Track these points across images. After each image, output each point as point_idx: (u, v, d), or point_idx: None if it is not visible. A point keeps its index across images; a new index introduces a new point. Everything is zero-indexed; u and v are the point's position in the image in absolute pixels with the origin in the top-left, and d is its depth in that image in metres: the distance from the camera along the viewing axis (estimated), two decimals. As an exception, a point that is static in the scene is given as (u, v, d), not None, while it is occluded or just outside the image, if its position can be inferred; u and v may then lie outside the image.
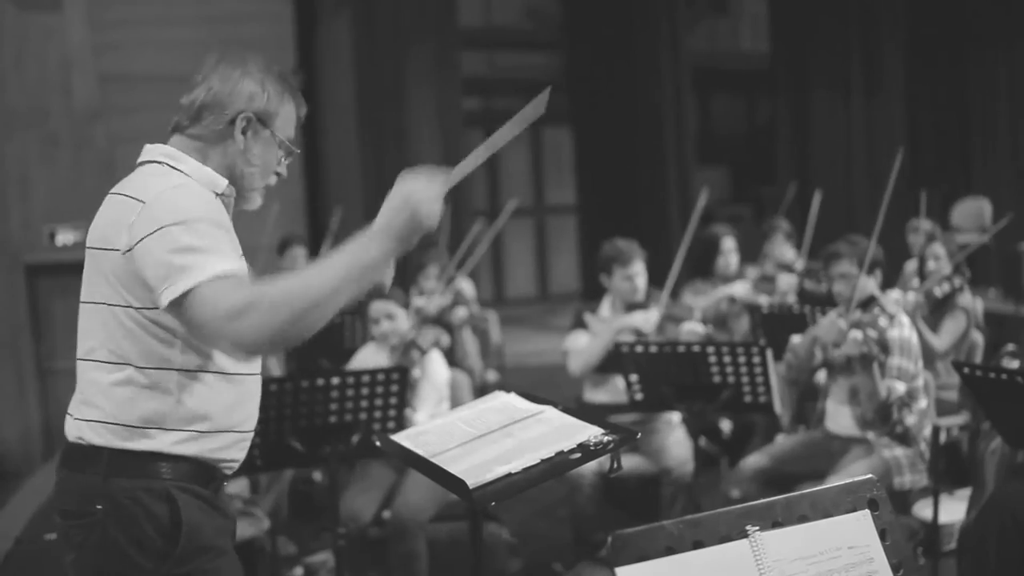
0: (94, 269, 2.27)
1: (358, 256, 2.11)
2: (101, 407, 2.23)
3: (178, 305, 2.09)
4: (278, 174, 2.43)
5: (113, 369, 2.23)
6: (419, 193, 2.14)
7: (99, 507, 2.20)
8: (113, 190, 2.29)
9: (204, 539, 2.25)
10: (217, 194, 2.30)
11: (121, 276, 2.18)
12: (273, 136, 2.36)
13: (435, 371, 4.80)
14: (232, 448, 2.34)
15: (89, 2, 7.84)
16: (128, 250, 2.16)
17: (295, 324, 2.05)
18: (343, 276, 2.09)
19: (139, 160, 2.34)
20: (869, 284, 4.50)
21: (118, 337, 2.22)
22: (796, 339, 4.74)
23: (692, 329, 5.13)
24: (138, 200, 2.18)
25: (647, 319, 5.08)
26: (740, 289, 6.44)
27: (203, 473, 2.29)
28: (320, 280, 2.07)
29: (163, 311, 2.13)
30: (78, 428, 2.27)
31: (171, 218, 2.11)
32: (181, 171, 2.27)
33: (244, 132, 2.32)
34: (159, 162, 2.30)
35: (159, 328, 2.19)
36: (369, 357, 4.91)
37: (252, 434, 2.41)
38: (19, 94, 7.55)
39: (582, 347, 5.17)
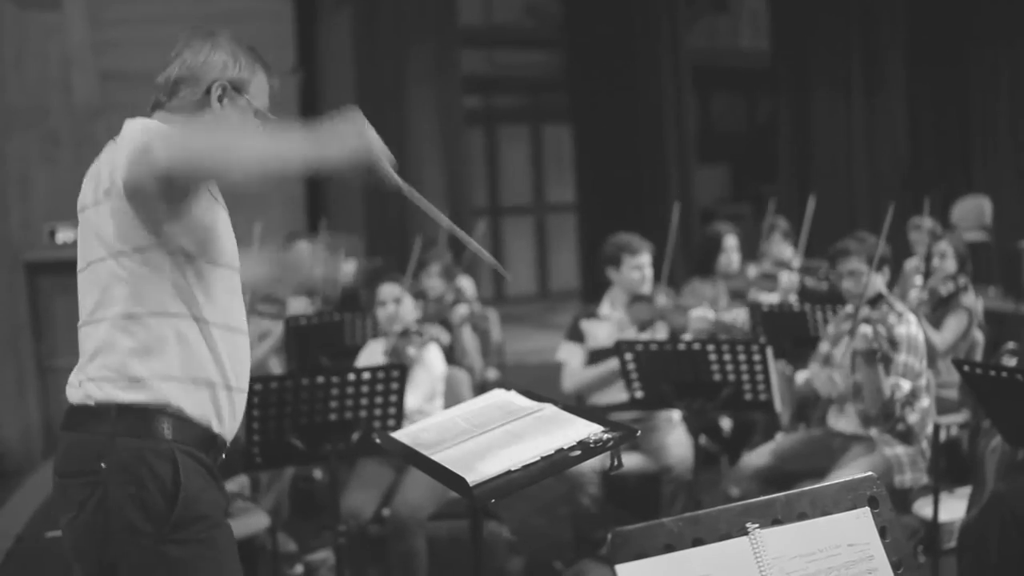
0: (87, 232, 2.34)
1: (293, 147, 2.21)
2: (103, 362, 2.27)
3: (132, 174, 2.18)
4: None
5: (112, 323, 2.27)
6: (371, 131, 2.26)
7: (103, 465, 2.22)
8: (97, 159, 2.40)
9: (201, 507, 2.26)
10: None
11: (109, 221, 2.26)
12: (248, 104, 2.43)
13: (431, 362, 4.83)
14: (231, 409, 2.38)
15: (89, 0, 7.85)
16: (109, 187, 2.26)
17: (203, 156, 2.15)
18: (268, 152, 2.20)
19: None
20: (877, 281, 4.50)
21: (113, 290, 2.27)
22: (801, 377, 4.77)
23: (702, 315, 5.12)
24: (115, 143, 2.31)
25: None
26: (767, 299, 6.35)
27: (205, 438, 2.32)
28: (247, 142, 2.25)
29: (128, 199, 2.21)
30: (82, 387, 2.29)
31: (143, 136, 2.20)
32: None
33: (220, 100, 2.40)
34: None
35: (150, 271, 2.25)
36: (372, 352, 4.93)
37: (245, 395, 2.44)
38: (19, 92, 7.56)
39: (576, 368, 5.21)
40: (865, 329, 4.17)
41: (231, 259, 2.40)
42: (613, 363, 5.01)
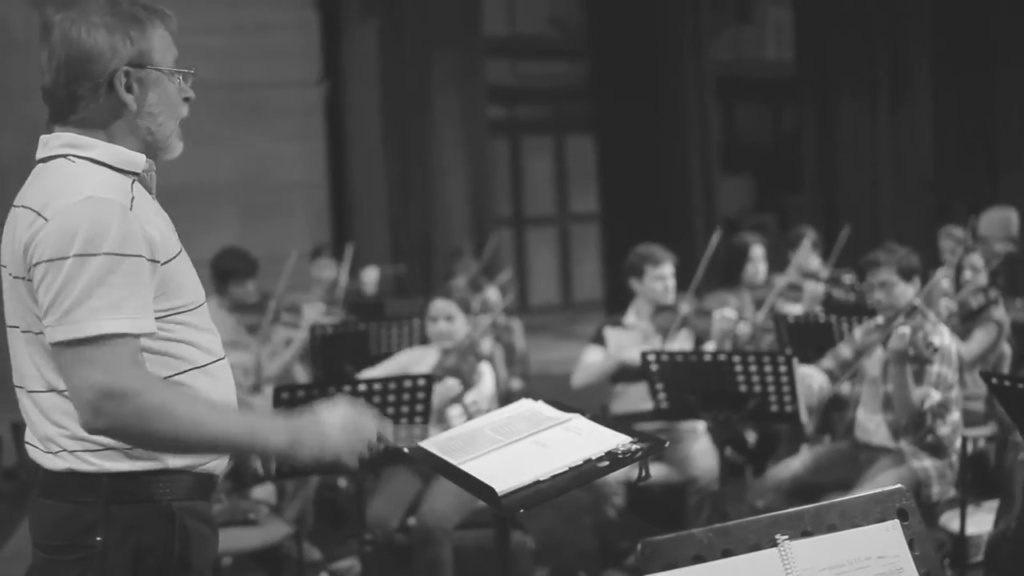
0: (10, 292, 2.08)
1: (255, 434, 2.04)
2: (78, 434, 2.01)
3: (59, 348, 1.93)
4: (187, 99, 2.17)
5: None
6: (339, 426, 2.09)
7: (99, 539, 2.01)
8: (16, 200, 2.08)
9: (191, 571, 2.12)
10: (137, 174, 2.09)
11: (29, 303, 2.01)
12: (161, 72, 2.08)
13: (484, 383, 4.82)
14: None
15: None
16: (25, 276, 1.99)
17: (152, 440, 1.96)
18: (227, 438, 2.02)
19: (38, 156, 2.10)
20: (908, 292, 4.47)
21: (54, 366, 2.02)
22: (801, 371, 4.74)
23: (726, 315, 5.11)
24: (38, 215, 1.97)
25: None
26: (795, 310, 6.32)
27: (203, 484, 2.16)
28: (206, 426, 1.98)
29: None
30: (61, 459, 2.05)
31: (75, 247, 1.90)
32: (91, 159, 2.04)
33: (129, 89, 2.05)
34: (63, 156, 2.05)
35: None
36: (419, 357, 4.92)
37: None
38: (49, 103, 7.61)
39: (589, 363, 5.21)
40: (903, 329, 4.13)
41: (197, 296, 2.17)
42: (623, 356, 5.03)
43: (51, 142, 2.08)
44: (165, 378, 2.05)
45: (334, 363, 5.79)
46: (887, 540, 1.84)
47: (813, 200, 11.41)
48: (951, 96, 11.09)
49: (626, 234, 10.19)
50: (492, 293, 7.17)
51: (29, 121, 7.70)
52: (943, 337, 4.34)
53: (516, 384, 6.98)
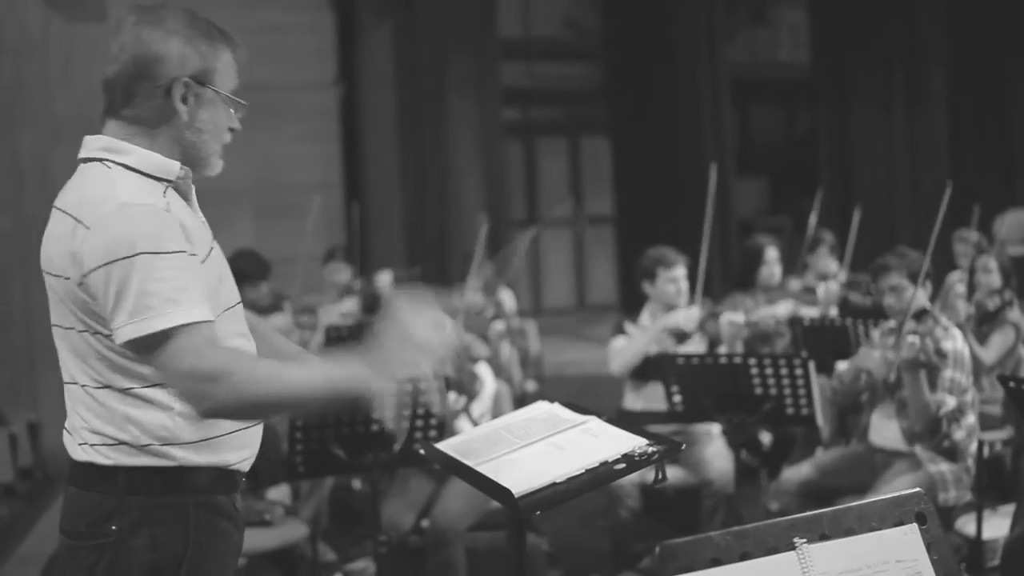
0: (53, 292, 2.12)
1: (348, 378, 2.03)
2: (101, 431, 2.09)
3: (139, 346, 1.97)
4: (232, 130, 2.22)
5: (100, 393, 2.08)
6: (421, 344, 2.07)
7: (114, 528, 2.07)
8: (55, 202, 2.13)
9: (205, 571, 2.15)
10: (171, 181, 2.13)
11: (79, 303, 2.04)
12: (217, 94, 2.14)
13: (485, 383, 4.81)
14: (247, 445, 2.23)
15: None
16: (80, 283, 2.01)
17: (256, 408, 2.05)
18: (324, 391, 2.06)
19: (80, 155, 2.16)
20: (920, 296, 4.46)
21: (91, 361, 2.08)
22: (842, 366, 4.73)
23: (732, 320, 5.10)
24: (79, 222, 2.02)
25: (689, 316, 5.09)
26: (783, 309, 6.36)
27: (225, 480, 2.19)
28: (304, 384, 2.05)
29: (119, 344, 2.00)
30: (84, 452, 2.11)
31: (123, 249, 1.95)
32: (125, 165, 2.08)
33: (184, 100, 2.10)
34: (99, 159, 2.11)
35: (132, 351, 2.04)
36: None
37: (260, 425, 2.28)
38: (66, 103, 7.66)
39: (622, 347, 5.18)
40: (912, 339, 4.13)
41: (230, 299, 2.22)
42: (657, 329, 5.02)
43: (92, 144, 2.13)
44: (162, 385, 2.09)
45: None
46: (905, 544, 1.83)
47: (829, 203, 11.36)
48: (967, 98, 11.06)
49: (640, 236, 10.18)
50: (507, 298, 7.16)
51: (46, 122, 7.77)
52: (955, 341, 4.33)
53: (531, 386, 6.98)
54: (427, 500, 4.63)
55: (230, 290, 2.24)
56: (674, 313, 5.14)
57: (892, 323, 4.60)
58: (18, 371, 7.47)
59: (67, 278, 2.04)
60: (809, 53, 12.45)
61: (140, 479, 2.08)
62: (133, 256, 1.95)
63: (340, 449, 3.88)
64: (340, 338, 5.90)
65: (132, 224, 1.98)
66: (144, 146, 2.10)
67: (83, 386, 2.11)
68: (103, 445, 2.09)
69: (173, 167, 2.12)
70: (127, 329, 1.96)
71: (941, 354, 4.21)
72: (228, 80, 2.17)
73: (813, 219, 7.57)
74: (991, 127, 11.04)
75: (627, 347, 5.15)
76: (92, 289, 1.99)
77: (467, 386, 4.65)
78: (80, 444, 2.12)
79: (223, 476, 2.18)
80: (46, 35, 7.60)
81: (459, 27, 10.40)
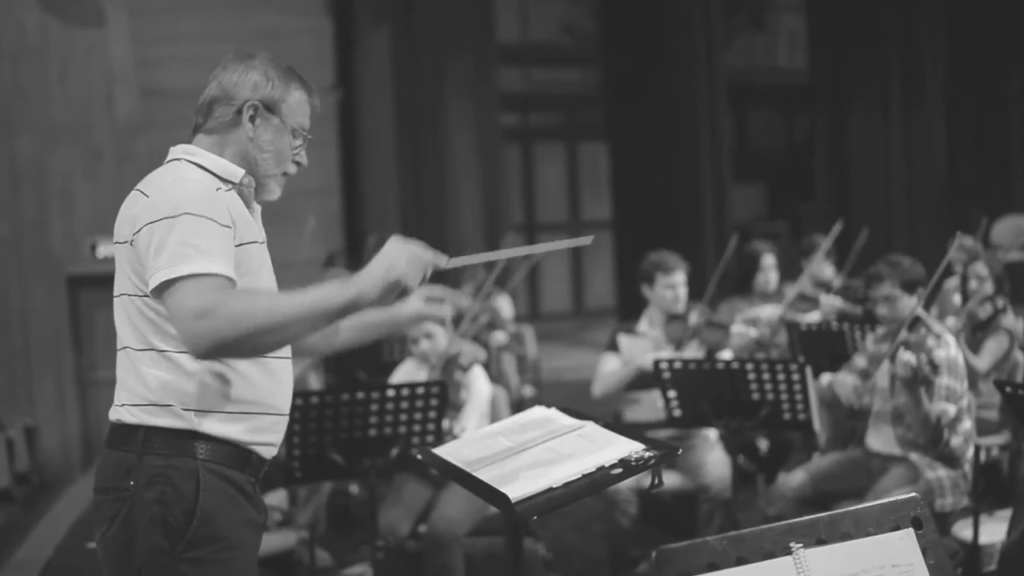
0: (118, 262, 2.36)
1: (328, 296, 2.19)
2: (134, 390, 2.31)
3: (160, 292, 2.17)
4: (297, 163, 2.49)
5: (141, 355, 2.30)
6: (403, 252, 2.23)
7: (131, 483, 2.27)
8: (136, 187, 2.38)
9: (219, 527, 2.28)
10: (235, 184, 2.38)
11: (134, 265, 2.27)
12: (283, 123, 2.43)
13: (478, 388, 4.80)
14: (268, 431, 2.39)
15: (132, 17, 7.95)
16: (131, 240, 2.26)
17: (248, 339, 2.13)
18: (308, 310, 2.17)
19: (166, 160, 2.44)
20: (912, 304, 4.46)
21: (138, 324, 2.30)
22: (827, 379, 4.74)
23: (741, 332, 5.09)
24: (144, 194, 2.29)
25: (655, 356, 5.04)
26: (768, 312, 6.33)
27: (239, 456, 2.34)
28: (286, 307, 2.16)
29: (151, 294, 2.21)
30: (116, 412, 2.35)
31: (169, 210, 2.20)
32: (199, 164, 2.36)
33: (252, 120, 2.39)
34: (178, 159, 2.39)
35: None
36: (410, 373, 4.91)
37: (286, 417, 2.46)
38: (64, 108, 7.66)
39: (607, 372, 5.20)
40: (907, 356, 4.13)
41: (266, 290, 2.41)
42: (640, 362, 5.02)
43: (176, 149, 2.42)
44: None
45: (347, 370, 5.80)
46: (901, 548, 1.84)
47: (826, 208, 11.37)
48: (965, 103, 11.08)
49: (638, 241, 10.19)
50: (505, 306, 7.14)
51: (44, 126, 7.77)
52: (948, 348, 4.32)
53: (528, 391, 6.97)
54: (425, 505, 4.62)
55: (271, 285, 2.43)
56: (645, 356, 5.09)
57: (883, 329, 4.61)
58: (15, 375, 7.47)
59: (124, 242, 2.29)
60: (807, 59, 12.46)
61: (156, 439, 2.28)
62: (178, 216, 2.19)
63: (338, 454, 3.88)
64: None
65: (182, 191, 2.24)
66: (215, 152, 2.40)
67: (128, 349, 2.33)
68: (132, 405, 2.31)
69: (238, 171, 2.39)
70: (159, 274, 2.15)
71: (934, 364, 4.21)
72: (296, 116, 2.45)
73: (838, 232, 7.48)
74: (989, 132, 11.06)
75: (611, 375, 5.20)
76: (140, 244, 2.22)
77: (451, 396, 4.60)
78: (116, 406, 2.35)
79: (238, 453, 2.34)
80: (44, 40, 7.60)
81: (457, 32, 10.40)
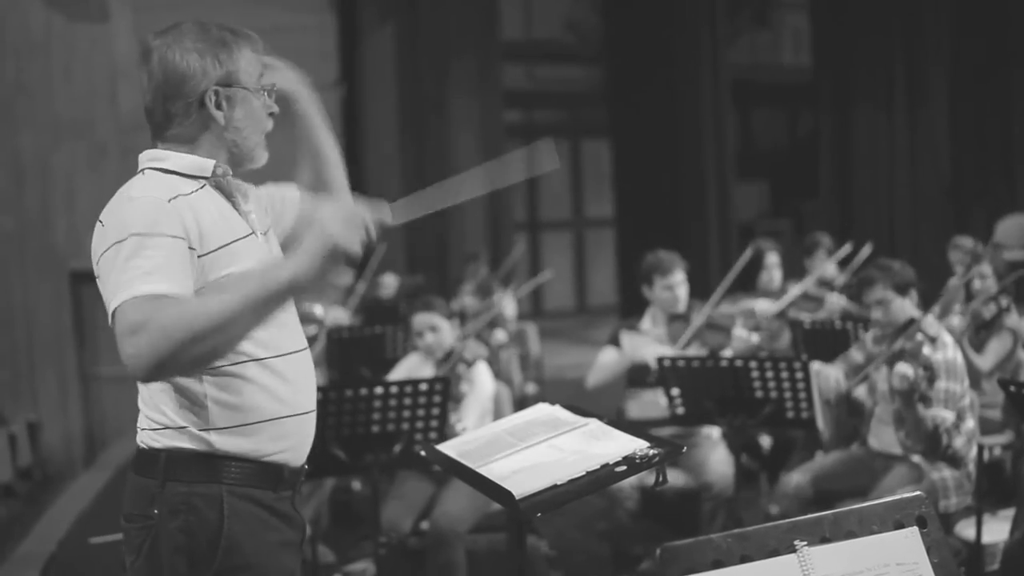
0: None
1: (264, 284, 2.03)
2: (150, 415, 2.23)
3: (113, 319, 2.02)
4: (272, 114, 2.35)
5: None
6: (335, 216, 2.07)
7: (156, 512, 2.19)
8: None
9: (244, 556, 2.21)
10: (207, 178, 2.24)
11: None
12: (247, 90, 2.26)
13: (481, 383, 4.79)
14: (290, 435, 2.28)
15: (136, 13, 7.95)
16: (97, 275, 2.13)
17: (184, 350, 1.95)
18: (242, 304, 2.00)
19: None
20: (906, 306, 4.46)
21: None
22: (816, 366, 4.72)
23: (742, 336, 5.09)
24: (101, 223, 2.15)
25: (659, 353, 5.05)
26: (762, 306, 6.33)
27: (267, 474, 2.25)
28: (218, 307, 1.98)
29: None
30: (139, 437, 2.27)
31: (116, 235, 2.07)
32: (165, 169, 2.21)
33: (219, 107, 2.23)
34: (142, 170, 2.25)
35: None
36: (413, 367, 4.92)
37: (311, 414, 2.35)
38: (67, 103, 7.66)
39: (603, 363, 5.20)
40: (903, 370, 4.10)
41: None
42: (637, 355, 5.02)
43: (142, 158, 2.28)
44: (218, 368, 2.17)
45: (351, 366, 5.80)
46: (906, 547, 1.84)
47: (829, 206, 11.36)
48: (969, 101, 11.06)
49: (641, 239, 10.19)
50: (508, 306, 7.14)
51: (48, 122, 7.76)
52: (946, 350, 4.30)
53: (531, 388, 6.98)
54: (427, 502, 4.62)
55: None
56: (645, 349, 5.11)
57: (879, 331, 4.61)
58: (18, 371, 7.47)
59: (96, 276, 2.15)
60: (811, 56, 12.45)
61: (178, 465, 2.20)
62: (124, 240, 2.06)
63: (340, 450, 3.88)
64: (342, 340, 5.90)
65: (131, 212, 2.10)
66: (185, 151, 2.25)
67: None
68: (151, 430, 2.23)
69: (208, 164, 2.25)
70: (108, 307, 2.04)
71: (932, 373, 4.20)
72: (252, 73, 2.29)
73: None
74: (993, 131, 11.03)
75: (606, 367, 5.20)
76: (100, 275, 2.10)
77: (452, 389, 4.60)
78: (138, 429, 2.28)
79: (264, 470, 2.25)
80: (48, 35, 7.60)
81: (461, 29, 10.41)
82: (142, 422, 2.26)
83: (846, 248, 7.01)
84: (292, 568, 2.33)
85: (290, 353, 2.31)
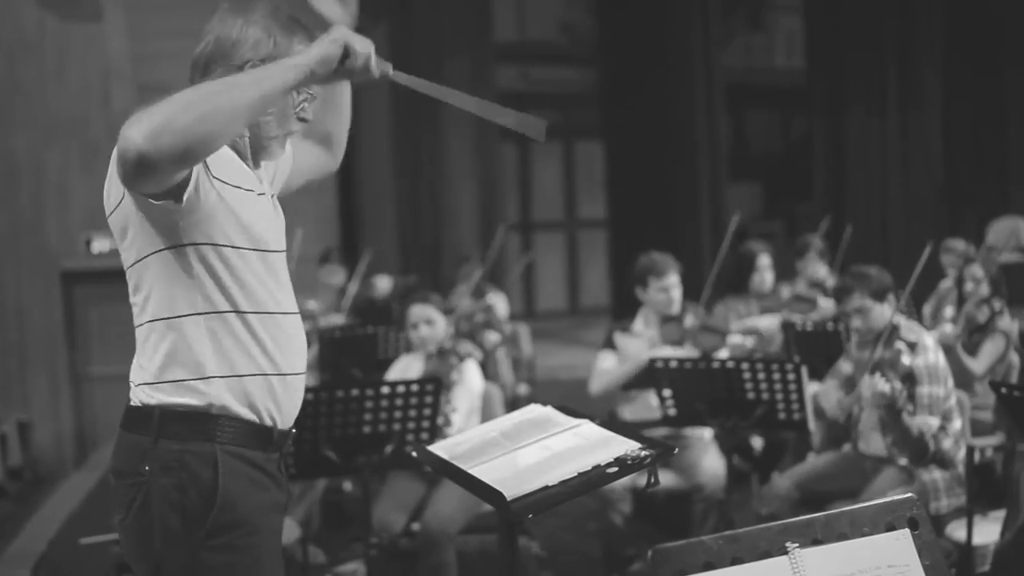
0: (119, 233, 2.24)
1: (273, 65, 2.12)
2: (143, 367, 2.24)
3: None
4: (302, 119, 2.36)
5: (146, 328, 2.23)
6: (340, 27, 2.16)
7: (147, 468, 2.19)
8: None
9: (240, 512, 2.21)
10: None
11: (125, 225, 2.19)
12: None
13: (471, 379, 4.81)
14: (282, 395, 2.29)
15: (129, 13, 7.94)
16: (115, 196, 2.17)
17: (187, 110, 1.95)
18: (251, 77, 2.07)
19: None
20: (885, 312, 4.46)
21: (145, 293, 2.21)
22: (813, 388, 4.72)
23: (738, 343, 5.09)
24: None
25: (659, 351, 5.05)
26: (766, 323, 6.32)
27: (259, 434, 2.26)
28: (222, 85, 2.04)
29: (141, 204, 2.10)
30: (131, 392, 2.27)
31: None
32: None
33: None
34: None
35: (174, 271, 2.17)
36: (406, 367, 4.93)
37: (301, 378, 2.34)
38: (60, 103, 7.65)
39: (605, 369, 5.19)
40: (881, 388, 4.10)
41: (261, 242, 2.26)
42: (638, 360, 5.01)
43: None
44: (199, 313, 2.19)
45: (342, 367, 5.79)
46: (897, 549, 1.84)
47: (822, 208, 11.37)
48: (962, 104, 11.07)
49: (634, 240, 10.19)
50: (500, 304, 7.13)
51: (41, 121, 7.74)
52: (926, 354, 4.29)
53: (523, 389, 6.97)
54: (418, 503, 4.62)
55: (251, 235, 2.24)
56: (643, 352, 5.11)
57: (858, 338, 4.62)
58: (9, 370, 7.46)
59: (114, 204, 2.18)
60: (804, 59, 12.47)
61: (172, 423, 2.20)
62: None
63: (332, 451, 3.88)
64: (333, 340, 5.89)
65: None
66: None
67: (140, 325, 2.25)
68: (145, 384, 2.23)
69: None
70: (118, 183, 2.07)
71: (912, 383, 4.20)
72: None
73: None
74: (986, 134, 11.05)
75: (609, 372, 5.17)
76: (121, 192, 2.10)
77: (444, 379, 4.61)
78: (131, 386, 2.27)
79: (257, 430, 2.26)
80: (41, 35, 7.59)
81: (455, 30, 10.41)
82: (136, 376, 2.26)
83: (825, 223, 7.01)
84: (278, 527, 2.34)
85: (272, 314, 2.28)
